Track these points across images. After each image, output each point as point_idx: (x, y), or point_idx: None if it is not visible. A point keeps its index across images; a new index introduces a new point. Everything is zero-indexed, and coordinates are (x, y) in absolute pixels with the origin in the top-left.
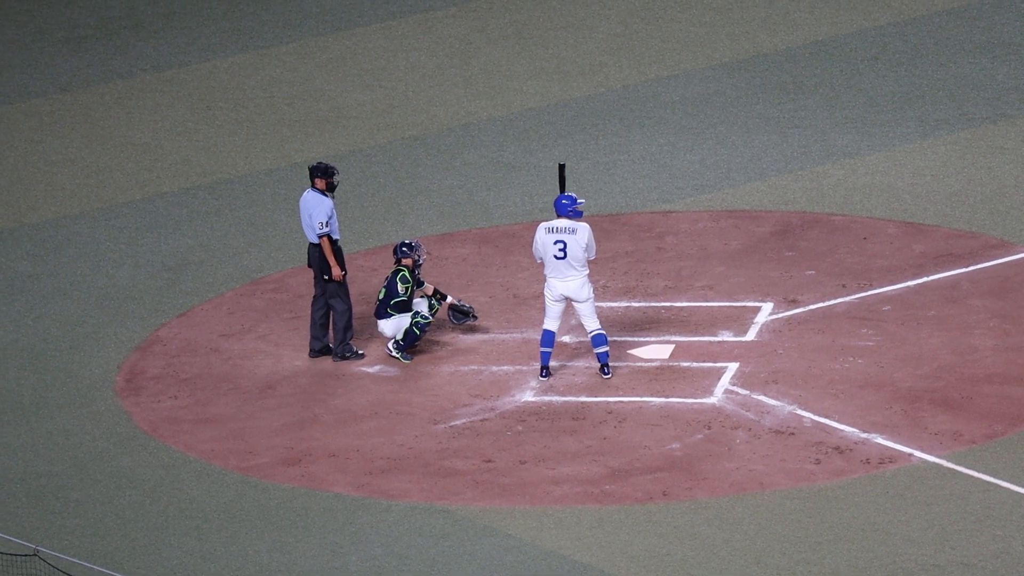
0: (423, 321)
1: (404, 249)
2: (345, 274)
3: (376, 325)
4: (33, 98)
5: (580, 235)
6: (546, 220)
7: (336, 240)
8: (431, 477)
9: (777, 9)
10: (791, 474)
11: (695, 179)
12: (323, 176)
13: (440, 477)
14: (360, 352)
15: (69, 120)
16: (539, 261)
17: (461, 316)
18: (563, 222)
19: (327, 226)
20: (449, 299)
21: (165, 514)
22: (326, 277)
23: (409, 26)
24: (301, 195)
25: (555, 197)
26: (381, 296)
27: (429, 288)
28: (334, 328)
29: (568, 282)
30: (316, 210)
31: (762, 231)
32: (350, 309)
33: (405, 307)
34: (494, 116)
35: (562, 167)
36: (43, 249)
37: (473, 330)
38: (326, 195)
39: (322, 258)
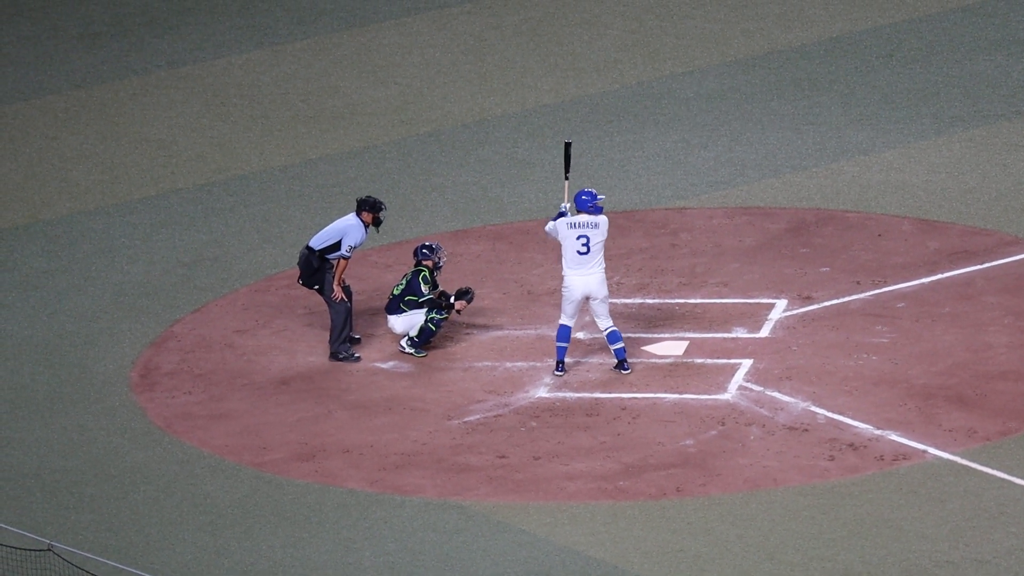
0: (438, 317)
1: (425, 251)
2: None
3: (386, 320)
4: (48, 94)
5: (602, 228)
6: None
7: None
8: (445, 473)
9: (792, 6)
10: (805, 470)
11: (710, 176)
12: (371, 210)
13: (454, 473)
14: (356, 355)
15: (84, 116)
16: (549, 237)
17: (463, 294)
18: (584, 217)
19: (352, 252)
20: (453, 300)
21: (179, 509)
22: (316, 288)
23: (423, 22)
24: (344, 216)
25: (563, 183)
26: (396, 292)
27: (436, 292)
28: (331, 327)
29: (589, 277)
30: (350, 235)
31: (776, 228)
32: (349, 310)
33: (420, 304)
34: (508, 112)
35: (568, 145)
36: (58, 245)
37: (487, 327)
38: (368, 228)
39: (320, 270)
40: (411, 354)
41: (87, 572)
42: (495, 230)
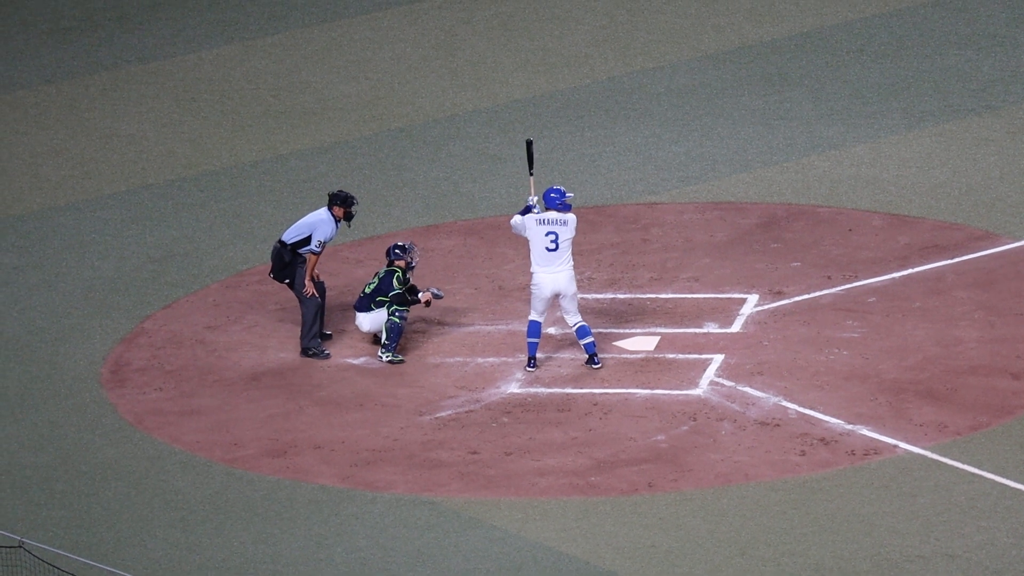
0: (400, 309)
1: (397, 251)
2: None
3: (355, 317)
4: (18, 89)
5: (571, 226)
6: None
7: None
8: (416, 469)
9: (762, 1)
10: (776, 465)
11: (681, 171)
12: (342, 205)
13: (425, 469)
14: (326, 352)
15: (54, 112)
16: (515, 232)
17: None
18: (553, 214)
19: (322, 247)
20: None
21: (150, 506)
22: (287, 282)
23: (394, 17)
24: (314, 211)
25: (528, 178)
26: (368, 290)
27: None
28: (302, 322)
29: (558, 275)
30: (320, 230)
31: (748, 223)
32: (320, 306)
33: (389, 300)
34: (480, 108)
35: (529, 143)
36: (28, 241)
37: (458, 322)
38: (339, 223)
39: (291, 264)
40: (391, 362)
41: (58, 568)
42: (466, 225)
